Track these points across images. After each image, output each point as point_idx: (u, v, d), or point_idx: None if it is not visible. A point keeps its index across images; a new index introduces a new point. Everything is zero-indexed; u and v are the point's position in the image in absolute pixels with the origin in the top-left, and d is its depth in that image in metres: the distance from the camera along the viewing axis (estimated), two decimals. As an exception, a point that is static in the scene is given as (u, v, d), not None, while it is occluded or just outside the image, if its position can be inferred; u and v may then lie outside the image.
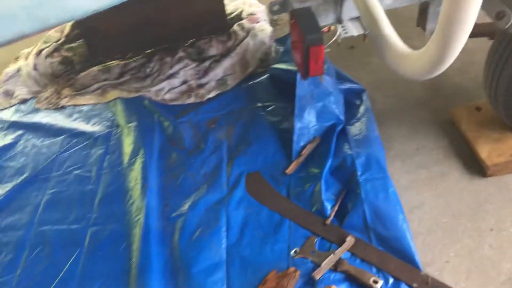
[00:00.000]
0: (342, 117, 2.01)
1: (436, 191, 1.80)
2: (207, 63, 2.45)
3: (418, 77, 1.17)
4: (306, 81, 1.97)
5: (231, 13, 2.69)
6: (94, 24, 2.46)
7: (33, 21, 1.00)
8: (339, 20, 1.58)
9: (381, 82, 2.29)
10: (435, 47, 1.02)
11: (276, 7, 1.60)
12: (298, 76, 1.95)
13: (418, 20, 1.75)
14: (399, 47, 1.26)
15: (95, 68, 2.54)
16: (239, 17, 2.67)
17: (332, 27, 1.60)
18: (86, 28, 2.50)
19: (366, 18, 1.43)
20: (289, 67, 2.25)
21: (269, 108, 2.21)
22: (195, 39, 2.58)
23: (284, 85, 2.21)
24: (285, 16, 2.79)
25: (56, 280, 1.73)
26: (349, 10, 1.57)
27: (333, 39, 1.60)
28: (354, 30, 1.58)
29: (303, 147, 1.96)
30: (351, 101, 2.13)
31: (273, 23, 2.70)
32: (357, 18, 1.60)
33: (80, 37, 2.66)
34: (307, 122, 1.98)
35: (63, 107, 2.44)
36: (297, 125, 1.97)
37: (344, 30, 1.58)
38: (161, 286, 1.62)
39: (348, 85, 2.16)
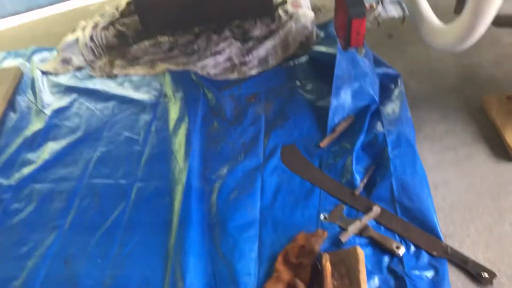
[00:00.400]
0: (376, 98, 2.12)
1: (462, 171, 1.89)
2: (250, 43, 2.60)
3: (452, 48, 1.28)
4: (344, 62, 2.09)
5: (277, -3, 2.83)
6: (148, 1, 2.64)
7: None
8: (381, 2, 1.69)
9: (416, 70, 2.38)
10: (468, 17, 1.12)
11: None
12: (338, 56, 2.07)
13: (456, 7, 1.84)
14: (434, 22, 1.37)
15: (146, 42, 2.72)
16: (283, 2, 2.80)
17: (374, 5, 1.71)
18: (141, 5, 2.68)
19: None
20: (328, 50, 2.37)
21: (307, 87, 2.34)
22: (240, 20, 2.73)
23: (323, 67, 2.33)
24: (327, 3, 2.92)
25: (104, 226, 1.91)
26: (392, -7, 1.68)
27: (374, 17, 1.71)
28: (394, 11, 1.69)
29: (338, 124, 2.08)
30: (386, 84, 2.23)
31: (315, 9, 2.82)
32: (397, 2, 1.71)
33: (134, 13, 2.85)
34: (343, 101, 2.10)
35: (115, 76, 2.63)
36: (333, 102, 2.09)
37: (384, 11, 1.69)
38: (199, 237, 1.78)
39: (383, 70, 2.27)
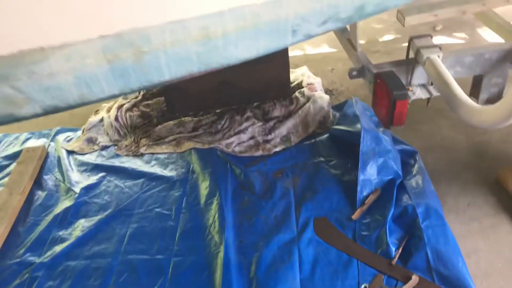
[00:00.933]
0: (400, 173, 2.26)
1: (489, 240, 2.00)
2: (271, 123, 2.76)
3: (494, 126, 1.44)
4: (369, 139, 2.25)
5: (292, 82, 3.05)
6: (176, 83, 2.81)
7: (201, 64, 1.31)
8: (409, 84, 1.89)
9: (431, 147, 2.55)
10: (509, 104, 1.29)
11: (354, 73, 1.91)
12: (362, 133, 2.23)
13: (471, 90, 2.05)
14: (471, 103, 1.54)
15: (170, 122, 2.86)
16: (299, 86, 3.02)
17: (411, 88, 1.90)
18: (168, 88, 2.85)
19: (439, 82, 1.73)
20: (348, 128, 2.53)
21: (331, 163, 2.47)
22: (260, 102, 2.91)
23: (343, 144, 2.51)
24: (338, 87, 3.15)
25: (143, 303, 1.91)
26: (418, 77, 1.88)
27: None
28: (421, 94, 1.88)
29: (366, 197, 2.20)
30: (405, 160, 2.38)
31: (327, 92, 3.04)
32: (424, 85, 1.91)
33: (159, 95, 3.01)
34: (370, 175, 2.23)
35: (141, 154, 2.73)
36: (361, 177, 2.21)
37: (413, 93, 1.87)
38: (244, 310, 1.80)
39: (402, 147, 2.43)
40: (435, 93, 1.94)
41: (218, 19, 1.22)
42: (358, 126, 2.48)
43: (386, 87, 1.60)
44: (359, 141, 2.24)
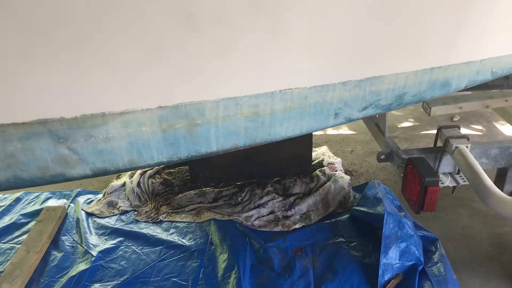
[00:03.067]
0: (422, 259, 2.24)
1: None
2: (292, 199, 2.78)
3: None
4: (392, 223, 2.25)
5: (313, 160, 3.11)
6: (200, 155, 2.88)
7: (247, 139, 1.37)
8: (436, 172, 1.93)
9: (451, 235, 2.55)
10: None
11: (383, 156, 1.96)
12: (386, 217, 2.24)
13: (495, 182, 2.08)
14: (502, 195, 1.57)
15: (192, 192, 2.90)
16: (320, 164, 3.08)
17: (440, 176, 1.93)
18: (193, 160, 2.91)
19: (468, 172, 1.77)
20: (369, 210, 2.55)
21: (351, 244, 2.46)
22: (281, 178, 2.96)
23: (364, 225, 2.51)
24: (357, 168, 3.20)
25: None
26: (445, 165, 1.93)
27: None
28: (448, 182, 1.92)
29: (388, 281, 2.16)
30: (426, 247, 2.37)
31: (347, 173, 3.09)
32: (450, 173, 1.95)
33: (183, 164, 3.07)
34: (391, 259, 2.21)
35: (160, 222, 2.73)
36: (383, 260, 2.19)
37: (441, 181, 1.91)
38: None
39: (423, 233, 2.43)
40: (461, 182, 1.98)
41: (268, 98, 1.30)
42: (379, 208, 2.51)
43: (418, 173, 1.64)
44: (381, 223, 2.25)
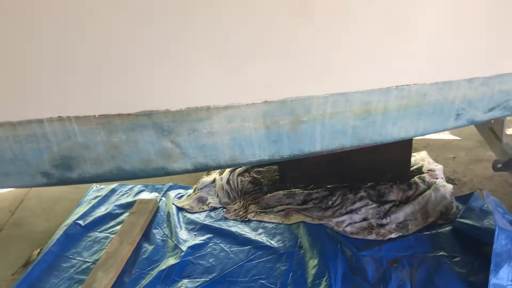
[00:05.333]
0: (539, 284, 1.99)
1: None
2: (387, 206, 2.62)
3: None
4: (503, 239, 2.02)
5: (412, 166, 2.91)
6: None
7: (354, 139, 1.26)
8: None
9: None
10: None
11: (499, 165, 1.76)
12: (496, 232, 2.02)
13: None
14: None
15: (280, 192, 2.83)
16: (419, 171, 2.88)
17: None
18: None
19: None
20: (475, 224, 2.32)
21: (455, 259, 2.24)
22: (375, 183, 2.79)
23: (468, 239, 2.29)
24: (460, 177, 2.95)
25: None
26: None
27: None
28: None
29: (498, 305, 1.94)
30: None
31: (450, 182, 2.85)
32: None
33: (272, 164, 3.02)
34: (503, 280, 1.98)
35: (249, 221, 2.70)
36: (492, 280, 1.97)
37: None
38: None
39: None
40: None
41: (382, 95, 1.18)
42: (487, 222, 2.28)
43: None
44: (489, 239, 2.05)
